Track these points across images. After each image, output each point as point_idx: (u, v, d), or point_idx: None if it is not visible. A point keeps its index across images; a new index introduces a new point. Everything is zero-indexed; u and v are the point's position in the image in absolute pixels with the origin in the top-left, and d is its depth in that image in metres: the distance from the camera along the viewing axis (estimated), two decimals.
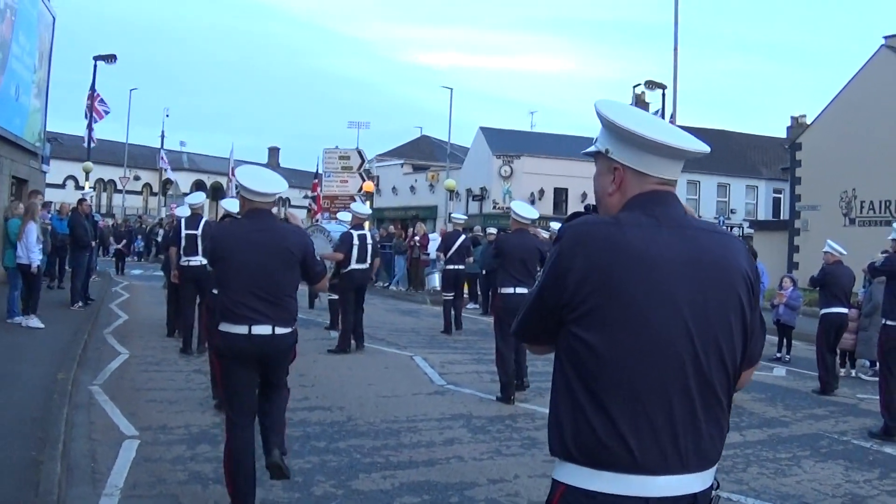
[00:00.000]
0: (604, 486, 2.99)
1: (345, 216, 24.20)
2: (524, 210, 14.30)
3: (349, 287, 18.69)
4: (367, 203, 20.87)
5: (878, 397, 12.94)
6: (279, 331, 7.48)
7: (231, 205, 13.29)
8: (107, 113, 42.72)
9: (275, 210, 8.54)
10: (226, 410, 7.78)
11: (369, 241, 19.00)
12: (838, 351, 17.57)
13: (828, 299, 16.79)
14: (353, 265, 18.52)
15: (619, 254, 3.03)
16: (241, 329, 7.37)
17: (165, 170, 73.42)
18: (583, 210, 3.52)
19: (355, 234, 18.76)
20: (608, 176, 3.31)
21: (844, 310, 16.70)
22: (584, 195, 55.88)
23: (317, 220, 33.21)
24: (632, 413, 2.98)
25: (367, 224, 20.28)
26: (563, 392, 3.13)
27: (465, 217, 30.33)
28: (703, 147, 3.30)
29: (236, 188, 8.39)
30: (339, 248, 18.87)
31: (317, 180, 46.40)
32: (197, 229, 16.46)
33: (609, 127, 3.26)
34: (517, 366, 13.87)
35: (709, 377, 3.08)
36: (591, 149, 3.40)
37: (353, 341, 18.63)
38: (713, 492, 3.19)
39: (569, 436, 3.07)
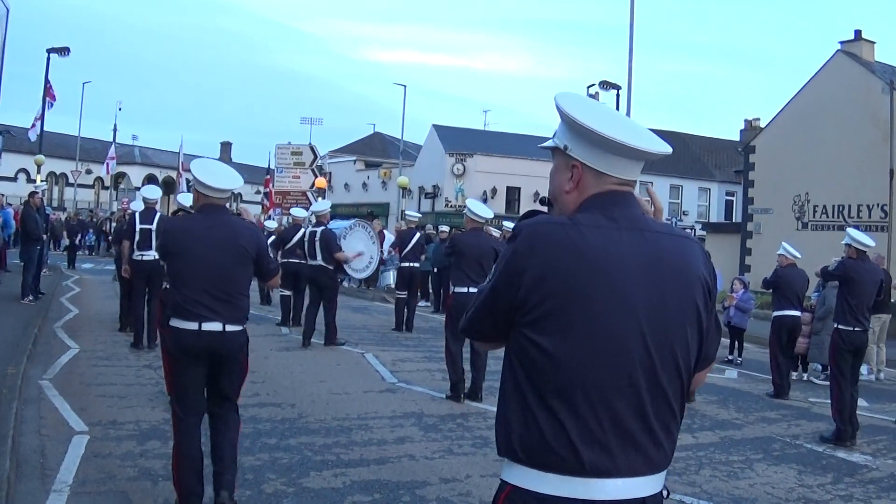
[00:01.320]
0: (550, 488, 2.97)
1: (298, 212, 24.32)
2: (479, 209, 14.28)
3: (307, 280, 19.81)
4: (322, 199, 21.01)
5: (829, 401, 13.01)
6: (230, 328, 7.42)
7: (186, 199, 13.25)
8: (52, 104, 42.45)
9: (234, 208, 8.50)
10: (173, 407, 7.71)
11: (317, 238, 19.23)
12: (793, 355, 17.67)
13: (780, 302, 16.90)
14: (308, 261, 19.28)
15: (577, 256, 2.98)
16: (192, 325, 7.32)
17: (109, 163, 72.55)
18: (538, 205, 3.50)
19: (307, 231, 19.70)
20: (566, 173, 3.24)
21: (797, 312, 16.80)
22: (537, 194, 55.94)
23: (280, 217, 33.02)
24: (582, 417, 2.96)
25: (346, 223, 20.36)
26: (512, 393, 3.11)
27: (420, 215, 30.34)
28: (665, 148, 3.25)
29: (188, 182, 8.36)
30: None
31: (269, 176, 46.28)
32: (151, 223, 16.32)
33: (569, 123, 3.18)
34: (475, 373, 13.76)
35: (661, 383, 3.06)
36: (549, 143, 3.33)
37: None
38: (664, 501, 3.20)
39: (516, 437, 3.05)
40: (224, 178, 7.70)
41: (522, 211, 54.65)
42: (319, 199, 22.42)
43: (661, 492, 3.16)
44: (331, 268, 19.27)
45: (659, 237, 3.15)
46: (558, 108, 3.22)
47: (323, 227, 19.29)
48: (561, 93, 3.27)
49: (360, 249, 22.43)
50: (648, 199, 3.54)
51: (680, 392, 3.15)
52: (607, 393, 2.98)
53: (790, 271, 16.67)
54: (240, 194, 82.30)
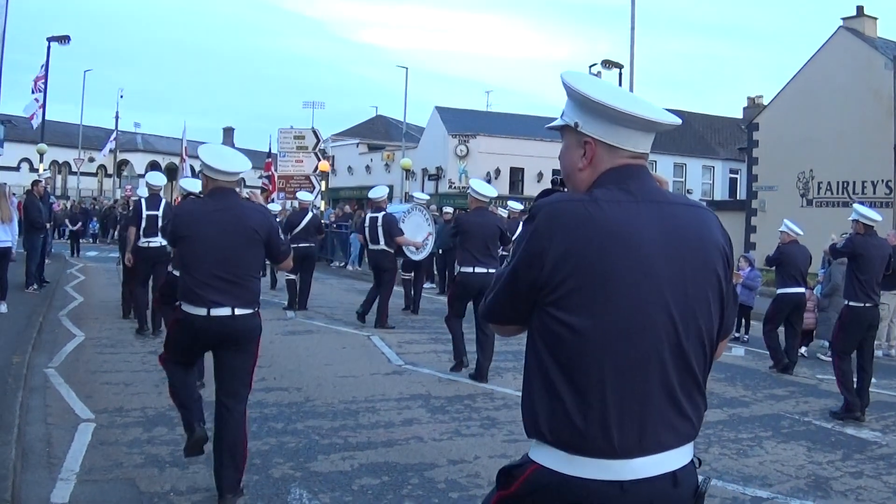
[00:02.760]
0: (579, 470, 2.95)
1: (304, 196, 24.41)
2: (483, 188, 14.27)
3: (370, 265, 20.37)
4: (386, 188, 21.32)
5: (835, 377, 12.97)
6: (239, 311, 7.42)
7: (189, 185, 13.22)
8: (38, 94, 42.32)
9: (244, 192, 8.53)
10: (164, 355, 7.90)
11: (380, 223, 19.67)
12: (801, 331, 17.60)
13: (784, 279, 16.84)
14: (370, 246, 19.89)
15: (598, 232, 2.96)
16: (201, 311, 7.35)
17: (104, 150, 72.28)
18: (554, 185, 3.46)
19: (367, 216, 20.17)
20: (578, 150, 3.22)
21: (801, 290, 16.72)
22: (541, 175, 55.98)
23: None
24: (611, 397, 2.94)
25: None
26: (537, 375, 3.08)
27: (428, 196, 30.25)
28: (674, 119, 3.24)
29: (192, 168, 8.36)
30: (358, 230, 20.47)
31: (270, 160, 46.20)
32: (158, 210, 16.29)
33: (578, 99, 3.17)
34: (479, 366, 13.68)
35: (687, 356, 3.05)
36: (558, 122, 3.30)
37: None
38: (699, 477, 3.19)
39: (543, 420, 3.03)
40: (232, 162, 7.75)
41: (526, 191, 54.96)
42: (379, 186, 22.68)
43: (691, 461, 3.16)
44: (392, 251, 19.80)
45: (676, 208, 3.14)
46: (566, 86, 3.21)
47: (384, 212, 19.84)
48: (567, 71, 3.26)
49: (420, 235, 22.65)
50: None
51: (704, 363, 3.16)
52: (634, 368, 2.97)
53: (792, 248, 16.61)
54: (243, 179, 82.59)
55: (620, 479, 2.93)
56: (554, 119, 3.36)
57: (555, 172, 3.73)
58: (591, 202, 3.03)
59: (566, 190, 3.35)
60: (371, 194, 21.23)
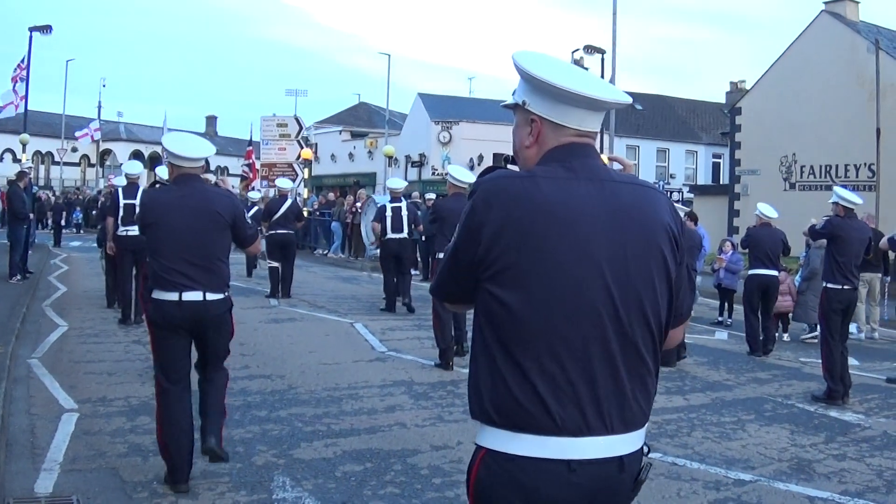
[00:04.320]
0: (524, 449, 2.95)
1: (284, 183, 24.43)
2: (461, 174, 14.28)
3: (386, 254, 20.44)
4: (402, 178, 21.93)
5: (820, 361, 13.02)
6: (210, 297, 7.49)
7: (164, 172, 13.21)
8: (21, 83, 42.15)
9: (212, 179, 8.54)
10: (158, 378, 7.76)
11: (405, 212, 20.16)
12: (772, 314, 17.66)
13: (753, 261, 17.11)
14: (389, 234, 20.01)
15: (534, 208, 2.96)
16: (172, 296, 7.39)
17: (81, 137, 72.10)
18: (501, 164, 3.48)
19: (389, 206, 20.26)
20: (525, 128, 3.25)
21: (770, 271, 16.81)
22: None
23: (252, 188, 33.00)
24: (550, 373, 2.94)
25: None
26: (481, 353, 3.09)
27: (406, 183, 30.33)
28: (623, 97, 3.24)
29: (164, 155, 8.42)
30: (374, 219, 20.97)
31: (251, 147, 46.20)
32: (135, 198, 16.23)
33: (526, 78, 3.19)
34: (457, 331, 13.90)
35: (631, 335, 3.03)
36: (509, 101, 3.34)
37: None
38: (644, 458, 3.18)
39: (487, 398, 3.03)
40: (195, 148, 7.84)
41: None
42: (394, 178, 23.15)
43: (640, 449, 3.14)
44: (414, 240, 20.27)
45: (620, 187, 3.13)
46: (515, 65, 3.22)
47: (408, 202, 20.10)
48: (518, 51, 3.27)
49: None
50: (621, 166, 3.55)
51: (653, 346, 3.13)
52: (574, 346, 2.96)
53: (761, 231, 16.82)
54: (226, 167, 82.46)
55: (567, 458, 2.93)
56: None
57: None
58: (528, 179, 3.05)
59: (514, 168, 3.37)
60: (391, 185, 21.66)
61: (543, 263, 2.95)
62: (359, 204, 34.24)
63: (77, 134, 71.72)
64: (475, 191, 3.11)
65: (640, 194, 3.16)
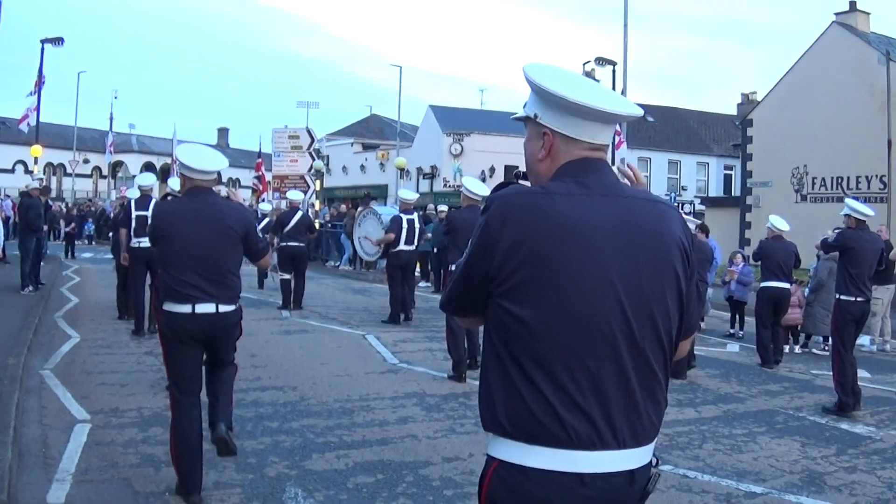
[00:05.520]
0: (536, 461, 2.97)
1: (295, 195, 24.43)
2: (476, 186, 14.29)
3: (396, 265, 20.47)
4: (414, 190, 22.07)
5: (831, 373, 12.99)
6: (223, 309, 7.53)
7: (176, 184, 13.23)
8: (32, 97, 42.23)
9: (224, 190, 8.57)
10: (171, 389, 7.78)
11: (417, 224, 20.39)
12: (782, 326, 17.65)
13: (765, 273, 17.08)
14: (402, 246, 20.04)
15: (548, 225, 2.98)
16: (185, 308, 7.41)
17: (108, 153, 72.77)
18: (513, 179, 3.49)
19: (404, 217, 20.25)
20: (537, 141, 3.26)
21: (782, 284, 16.81)
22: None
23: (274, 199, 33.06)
24: (564, 387, 2.96)
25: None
26: (494, 366, 3.10)
27: (417, 195, 30.40)
28: (634, 110, 3.25)
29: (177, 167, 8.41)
30: (389, 230, 20.67)
31: (260, 159, 46.25)
32: (147, 210, 16.28)
33: (537, 91, 3.20)
34: (471, 345, 13.88)
35: (643, 351, 3.05)
36: (520, 114, 3.34)
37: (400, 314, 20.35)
38: (652, 469, 3.19)
39: (501, 410, 3.04)
40: (208, 161, 7.83)
41: None
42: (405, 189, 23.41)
43: (649, 462, 3.16)
44: (424, 252, 20.15)
45: (633, 202, 3.15)
46: (526, 78, 3.23)
47: (420, 213, 20.14)
48: (529, 63, 3.28)
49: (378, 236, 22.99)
50: (627, 177, 3.56)
51: (663, 360, 3.15)
52: (587, 361, 2.98)
53: (774, 243, 16.82)
54: (237, 179, 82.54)
55: (580, 471, 2.95)
56: None
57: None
58: (542, 195, 3.06)
59: (527, 183, 3.37)
60: (404, 195, 21.71)
61: (557, 280, 2.96)
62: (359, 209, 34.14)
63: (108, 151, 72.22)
64: (489, 206, 3.13)
65: (653, 210, 3.18)
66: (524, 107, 3.33)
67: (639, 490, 3.12)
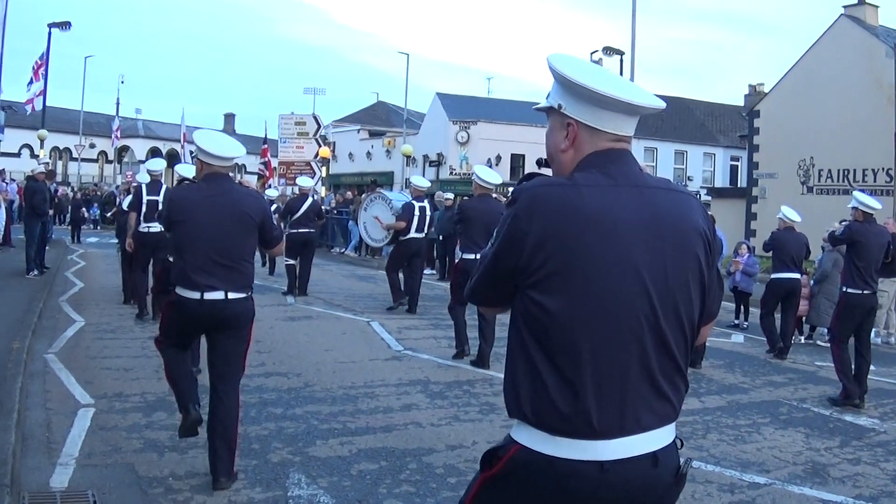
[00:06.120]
0: (560, 451, 2.99)
1: (304, 181, 24.39)
2: (488, 175, 14.24)
3: (405, 253, 20.27)
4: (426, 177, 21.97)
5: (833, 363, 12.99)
6: (232, 295, 7.49)
7: (186, 170, 13.21)
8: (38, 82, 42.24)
9: (237, 177, 8.56)
10: (158, 339, 8.04)
11: (428, 212, 20.26)
12: (794, 317, 17.65)
13: (776, 265, 17.06)
14: (412, 234, 19.85)
15: (576, 217, 2.99)
16: (195, 294, 7.41)
17: (114, 139, 72.98)
18: (536, 168, 3.49)
19: (416, 205, 20.11)
20: (561, 132, 3.26)
21: (794, 275, 16.83)
22: (541, 162, 55.86)
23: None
24: (589, 378, 2.98)
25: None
26: (519, 355, 3.12)
27: (429, 183, 30.39)
28: (658, 102, 3.25)
29: (192, 153, 8.39)
30: (401, 217, 20.45)
31: (266, 146, 46.23)
32: (158, 195, 16.29)
33: (562, 81, 3.21)
34: (480, 351, 13.71)
35: (667, 340, 3.08)
36: (544, 104, 3.34)
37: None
38: (681, 459, 3.21)
39: (525, 399, 3.07)
40: (227, 147, 7.81)
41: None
42: (418, 177, 23.37)
43: (673, 442, 3.18)
44: (431, 240, 20.10)
45: (656, 193, 3.18)
46: (551, 68, 3.25)
47: (429, 201, 20.22)
48: (553, 54, 3.29)
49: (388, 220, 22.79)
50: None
51: (685, 347, 3.18)
52: (612, 350, 3.00)
53: (785, 234, 16.80)
54: (243, 165, 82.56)
55: (600, 459, 2.97)
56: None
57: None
58: (570, 186, 3.08)
59: (550, 171, 3.39)
60: (416, 182, 21.56)
61: (586, 271, 2.99)
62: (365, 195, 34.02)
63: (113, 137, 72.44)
64: (516, 199, 3.14)
65: (676, 199, 3.22)
66: (547, 97, 3.34)
67: (667, 472, 3.13)
